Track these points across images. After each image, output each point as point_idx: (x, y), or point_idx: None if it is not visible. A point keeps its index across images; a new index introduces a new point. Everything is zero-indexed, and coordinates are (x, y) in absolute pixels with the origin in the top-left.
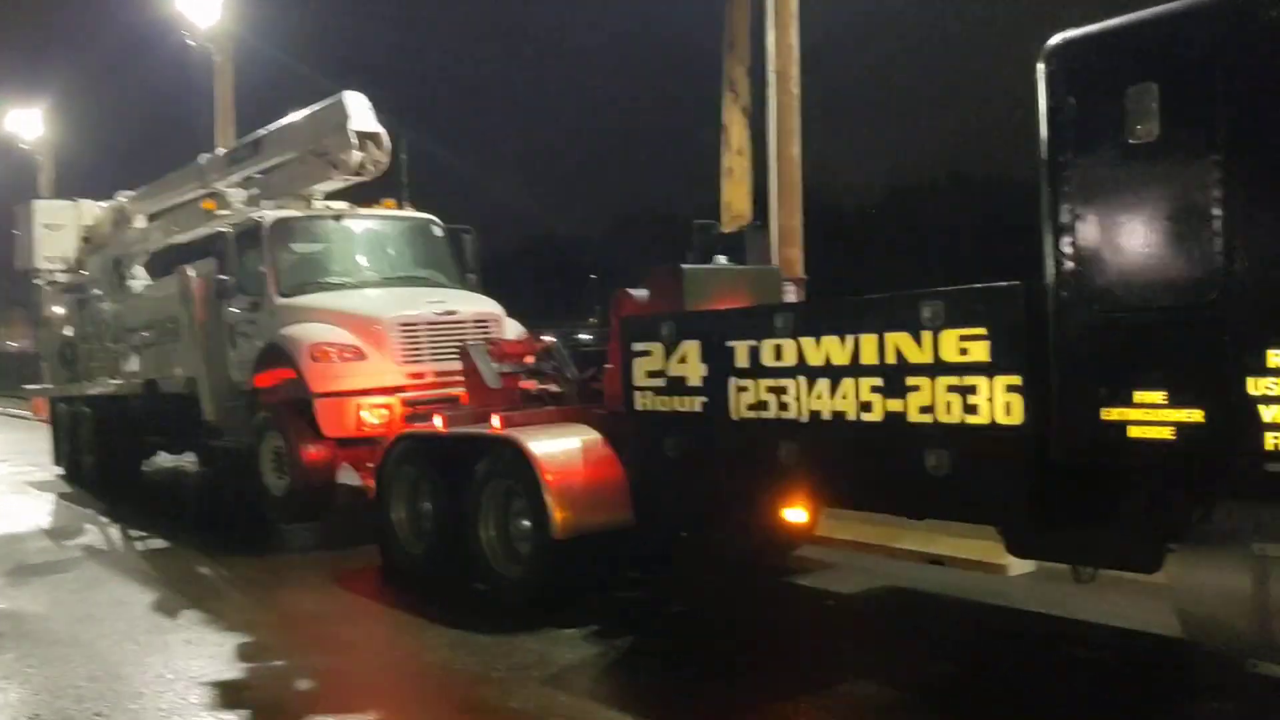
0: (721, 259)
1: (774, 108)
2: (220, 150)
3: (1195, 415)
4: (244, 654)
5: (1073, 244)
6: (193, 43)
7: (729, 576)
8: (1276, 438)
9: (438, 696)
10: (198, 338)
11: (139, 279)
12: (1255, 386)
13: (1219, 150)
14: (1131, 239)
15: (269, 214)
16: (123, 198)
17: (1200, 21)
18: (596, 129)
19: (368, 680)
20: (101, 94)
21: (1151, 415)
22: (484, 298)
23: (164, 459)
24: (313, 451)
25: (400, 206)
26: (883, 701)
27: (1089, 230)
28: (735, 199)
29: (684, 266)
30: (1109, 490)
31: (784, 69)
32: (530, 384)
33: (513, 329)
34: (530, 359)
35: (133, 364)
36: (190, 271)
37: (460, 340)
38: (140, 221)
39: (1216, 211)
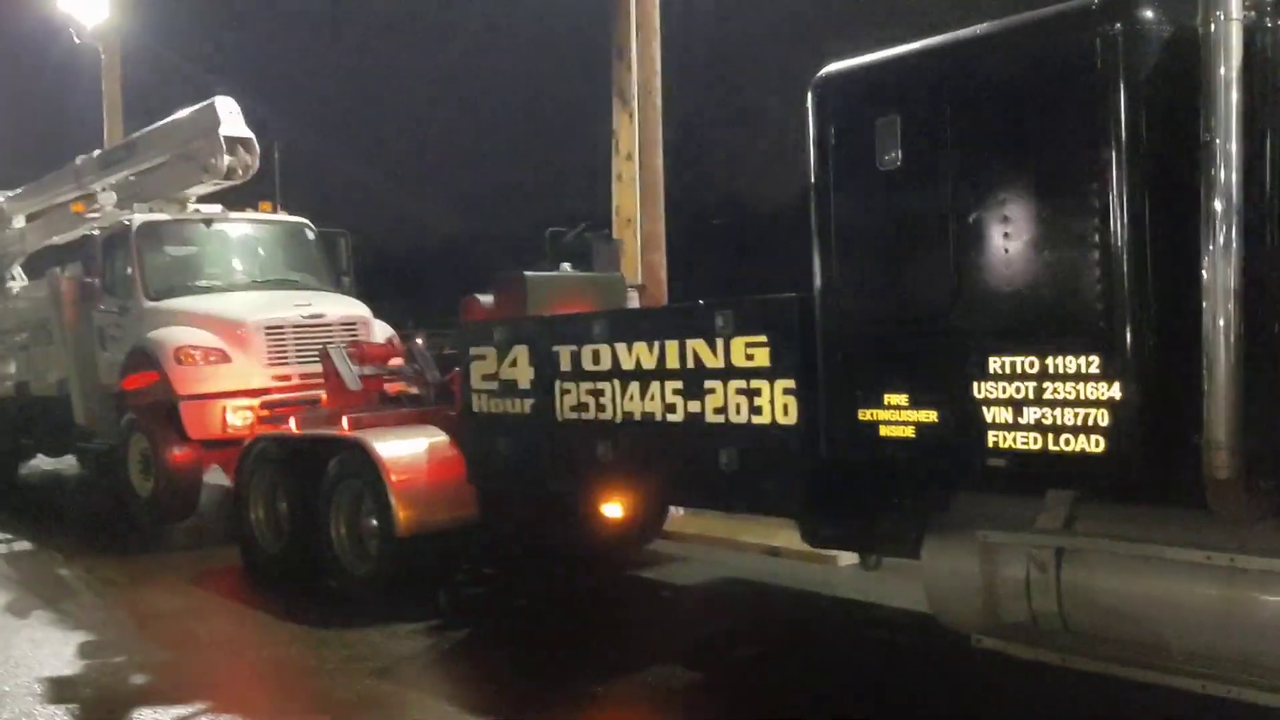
0: (566, 266)
1: (636, 116)
2: (96, 152)
3: (931, 416)
4: (86, 650)
5: (834, 260)
6: (79, 40)
7: (578, 571)
8: (997, 436)
9: (266, 688)
10: (68, 340)
11: (17, 280)
12: (980, 390)
13: (948, 178)
14: (881, 257)
15: (136, 217)
16: (0, 198)
17: (931, 61)
18: (503, 129)
19: (201, 674)
20: None
21: (897, 416)
22: (353, 300)
23: (43, 462)
24: (177, 453)
25: (275, 209)
26: (682, 682)
27: (847, 248)
28: (625, 203)
29: (526, 274)
30: (871, 483)
31: (647, 80)
32: (395, 386)
33: (381, 331)
34: (396, 361)
35: (7, 366)
36: (60, 273)
37: (327, 343)
38: (19, 222)
39: (947, 233)
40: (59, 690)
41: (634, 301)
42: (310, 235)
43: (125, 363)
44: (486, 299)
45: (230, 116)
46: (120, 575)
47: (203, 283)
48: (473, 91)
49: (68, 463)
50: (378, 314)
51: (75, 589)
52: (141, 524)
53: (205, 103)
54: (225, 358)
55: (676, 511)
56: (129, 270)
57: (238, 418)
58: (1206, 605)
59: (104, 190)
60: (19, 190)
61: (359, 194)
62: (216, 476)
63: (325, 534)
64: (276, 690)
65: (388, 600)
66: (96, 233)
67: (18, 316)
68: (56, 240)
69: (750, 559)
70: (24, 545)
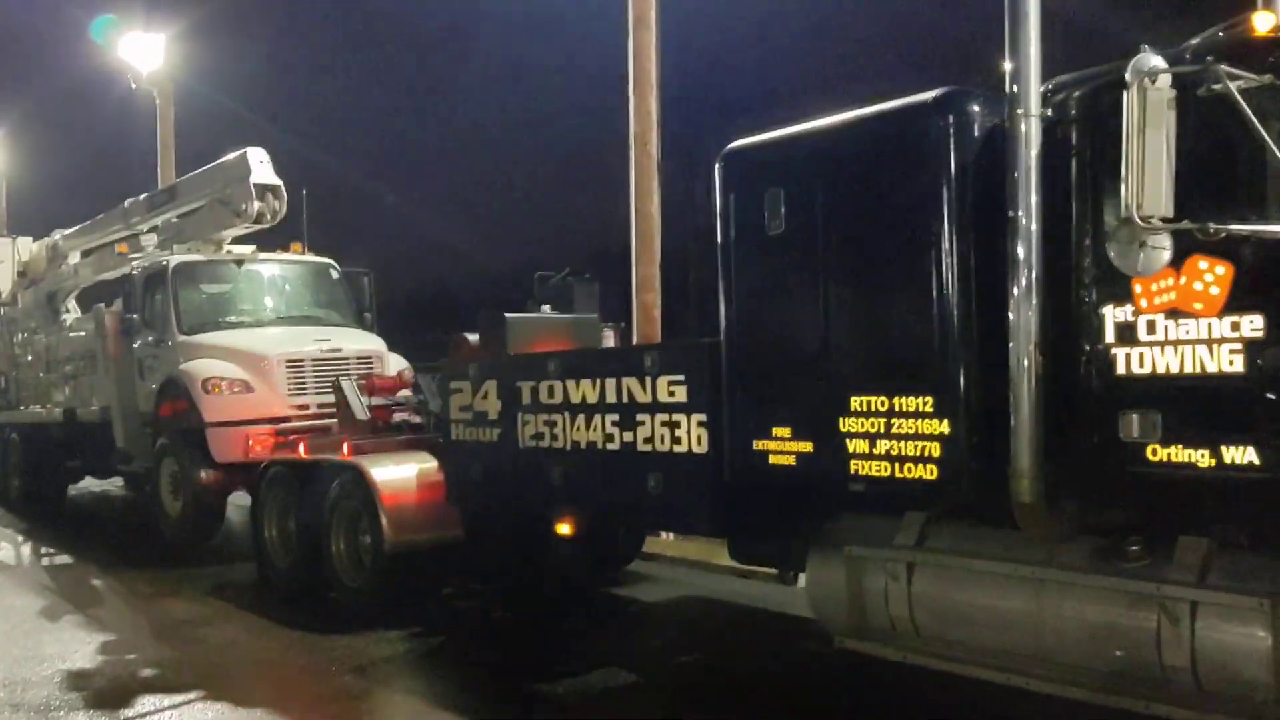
0: (546, 308)
1: (633, 168)
2: (143, 195)
3: (808, 446)
4: (106, 648)
5: (733, 311)
6: (135, 86)
7: (556, 589)
8: (857, 464)
9: (253, 681)
10: (110, 370)
11: (71, 313)
12: (844, 424)
13: (819, 243)
14: (769, 309)
15: (173, 258)
16: (57, 235)
17: (807, 142)
18: (526, 172)
19: (201, 670)
20: (52, 133)
21: (782, 446)
22: (370, 335)
23: (92, 484)
24: (203, 476)
25: (303, 250)
26: (619, 681)
27: (743, 301)
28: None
29: (507, 315)
30: (767, 505)
31: (642, 133)
32: (404, 414)
33: (395, 364)
34: (404, 392)
35: (58, 393)
36: (104, 309)
37: (343, 375)
38: (74, 258)
39: (819, 290)
40: (76, 680)
41: (609, 341)
42: (335, 275)
43: (159, 391)
44: (473, 337)
45: (260, 165)
46: (147, 586)
47: (232, 318)
48: (495, 139)
49: (114, 484)
50: (395, 348)
51: (105, 597)
52: (171, 541)
53: (239, 152)
54: (249, 388)
55: (667, 536)
56: (165, 306)
57: (259, 444)
58: (1018, 611)
59: (147, 232)
60: (75, 229)
61: (389, 233)
62: (245, 499)
63: (327, 550)
64: (262, 683)
65: (379, 610)
66: (135, 272)
67: (69, 347)
68: (106, 276)
69: (721, 579)
70: (64, 559)
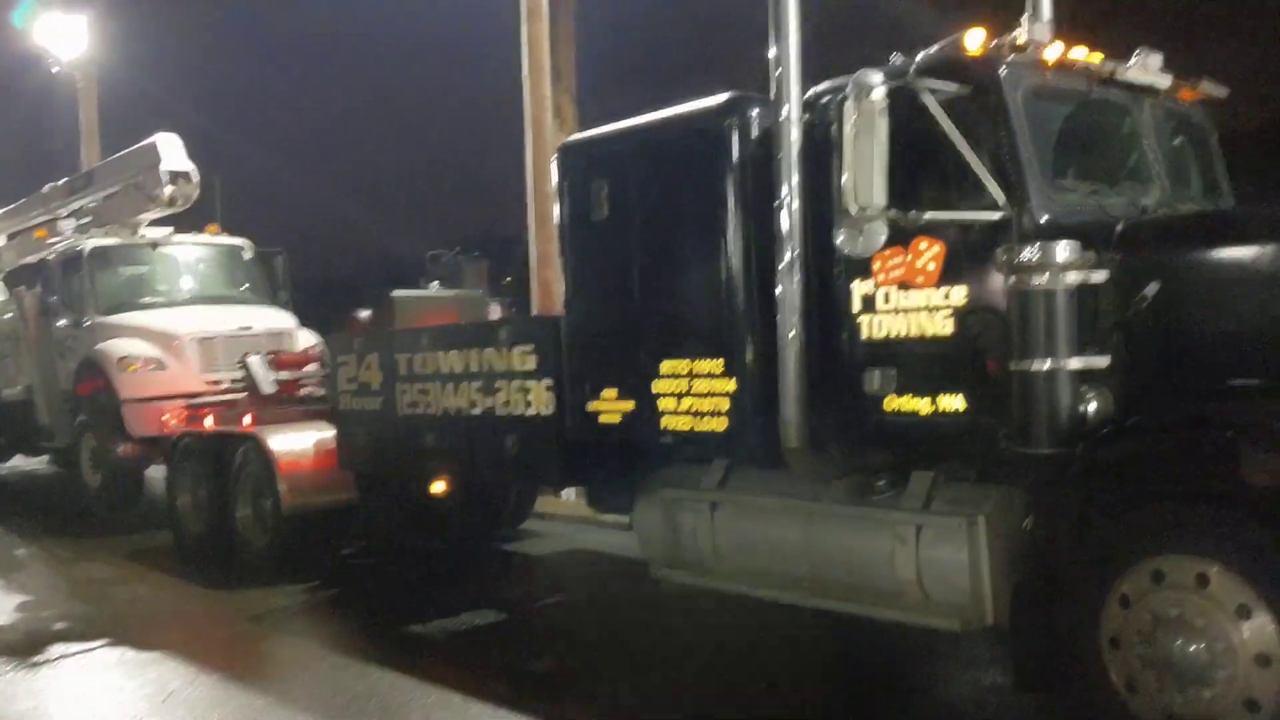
0: (435, 285)
1: (530, 150)
2: (62, 180)
3: (629, 405)
4: (24, 607)
5: (571, 288)
6: (57, 69)
7: (453, 545)
8: (666, 420)
9: (157, 630)
10: (32, 351)
11: None
12: (655, 386)
13: (634, 228)
14: (597, 286)
15: (89, 242)
16: None
17: (623, 138)
18: (434, 152)
19: (109, 622)
20: None
21: (609, 406)
22: (281, 313)
23: (23, 463)
24: (120, 450)
25: (219, 232)
26: (486, 621)
27: (578, 279)
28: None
29: (394, 293)
30: (603, 459)
31: (538, 116)
32: (311, 388)
33: (305, 340)
34: (312, 366)
35: None
36: (25, 291)
37: (254, 351)
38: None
39: (633, 269)
40: None
41: (494, 315)
42: (248, 255)
43: (78, 371)
44: (365, 314)
45: (171, 152)
46: (67, 553)
47: (147, 299)
48: (402, 120)
49: (43, 462)
50: (309, 324)
51: (26, 563)
52: (93, 512)
53: (149, 140)
54: (162, 365)
55: (565, 495)
56: (82, 289)
57: (174, 418)
58: (794, 540)
59: (66, 216)
60: None
61: (306, 214)
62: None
63: (233, 515)
64: (164, 631)
65: (280, 569)
66: (52, 256)
67: None
68: (28, 260)
69: (606, 534)
70: None
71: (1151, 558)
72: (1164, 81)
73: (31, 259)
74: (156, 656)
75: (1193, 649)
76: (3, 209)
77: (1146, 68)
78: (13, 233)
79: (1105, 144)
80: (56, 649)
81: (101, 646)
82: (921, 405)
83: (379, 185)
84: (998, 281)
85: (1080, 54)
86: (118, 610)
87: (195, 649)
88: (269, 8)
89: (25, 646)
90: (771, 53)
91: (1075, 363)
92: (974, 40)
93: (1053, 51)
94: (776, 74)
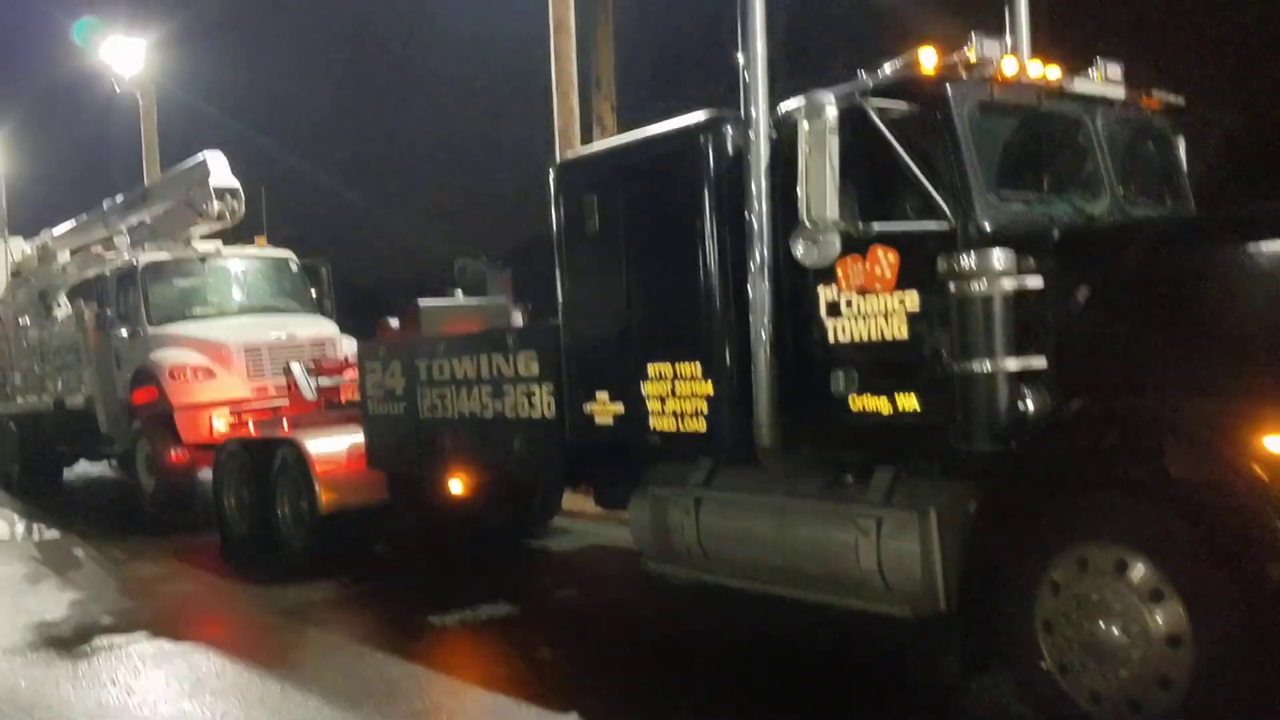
0: (459, 293)
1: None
2: (119, 197)
3: (621, 408)
4: (75, 603)
5: (567, 297)
6: (119, 88)
7: (482, 542)
8: (654, 421)
9: (195, 622)
10: (92, 362)
11: (62, 308)
12: (644, 389)
13: (624, 240)
14: (591, 294)
15: (143, 257)
16: (47, 235)
17: (612, 156)
18: (469, 165)
19: (153, 616)
20: (41, 133)
21: (603, 409)
22: (325, 321)
23: (88, 468)
24: (173, 454)
25: (265, 244)
26: (501, 613)
27: (573, 289)
28: None
29: (420, 302)
30: (601, 458)
31: (565, 128)
32: (352, 394)
33: (347, 347)
34: (350, 373)
35: (50, 384)
36: (84, 304)
37: (297, 359)
38: (63, 256)
39: (623, 279)
40: (47, 627)
41: (518, 322)
42: (293, 266)
43: (133, 380)
44: (395, 321)
45: (218, 169)
46: (121, 554)
47: (198, 310)
48: (441, 135)
49: (105, 467)
50: (351, 332)
51: (82, 563)
52: (148, 514)
53: (199, 157)
54: (211, 374)
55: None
56: (136, 301)
57: (223, 424)
58: (769, 533)
59: (122, 233)
60: (63, 229)
61: (351, 225)
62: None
63: (274, 515)
64: (200, 622)
65: (317, 565)
66: (108, 272)
67: (59, 341)
68: (89, 274)
69: (627, 531)
70: (53, 534)
71: (1078, 546)
72: (1118, 92)
73: (91, 274)
74: (190, 647)
75: (1113, 631)
76: (66, 225)
77: (1104, 79)
78: (75, 249)
79: (1054, 155)
80: (100, 641)
81: (142, 638)
82: (882, 405)
83: (417, 197)
84: (944, 288)
85: (1036, 69)
86: (161, 606)
87: (227, 641)
88: (315, 29)
89: (72, 639)
90: (740, 74)
91: (1012, 364)
92: (927, 59)
93: (1005, 67)
94: (746, 94)
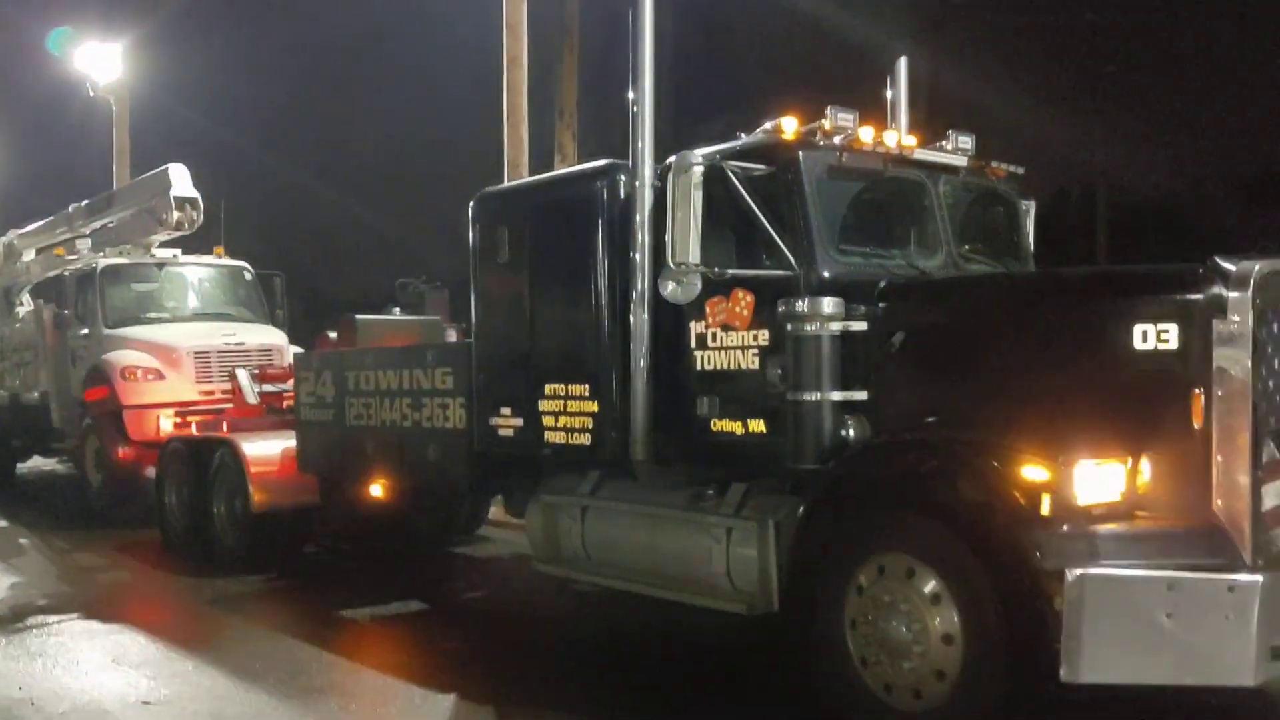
0: (396, 310)
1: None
2: (85, 201)
3: (520, 422)
4: (16, 587)
5: (478, 319)
6: (94, 94)
7: (410, 547)
8: (548, 435)
9: (127, 608)
10: (49, 359)
11: (25, 306)
12: (540, 406)
13: (528, 271)
14: (499, 317)
15: (101, 260)
16: (13, 235)
17: (521, 193)
18: (419, 190)
19: (88, 601)
20: (16, 137)
21: (506, 422)
22: (274, 330)
23: (41, 463)
24: (120, 451)
25: (223, 254)
26: (410, 610)
27: (484, 312)
28: None
29: (356, 317)
30: (505, 468)
31: (514, 158)
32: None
33: (293, 355)
34: (293, 381)
35: (12, 380)
36: (43, 304)
37: (243, 365)
38: (28, 255)
39: (526, 306)
40: None
41: (451, 339)
42: (248, 276)
43: (87, 378)
44: (333, 334)
45: (180, 180)
46: (65, 543)
47: (152, 314)
48: (398, 155)
49: (58, 462)
50: (300, 342)
51: (26, 551)
52: (94, 508)
53: (161, 168)
54: (160, 376)
55: None
56: (93, 303)
57: (169, 424)
58: (642, 539)
59: (88, 235)
60: (28, 228)
61: (309, 239)
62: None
63: (211, 513)
64: (132, 610)
65: (249, 562)
66: (67, 273)
67: (19, 338)
68: (51, 274)
69: None
70: (0, 524)
71: (879, 554)
72: (960, 161)
73: (53, 274)
74: (118, 628)
75: (901, 629)
76: (33, 225)
77: (952, 148)
78: (40, 248)
79: (896, 214)
80: (33, 620)
81: (75, 619)
82: (737, 427)
83: (373, 217)
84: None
85: (891, 138)
86: (97, 592)
87: (153, 623)
88: (287, 39)
89: (7, 617)
90: (630, 131)
91: (836, 395)
92: (789, 126)
93: (861, 135)
94: (634, 148)
